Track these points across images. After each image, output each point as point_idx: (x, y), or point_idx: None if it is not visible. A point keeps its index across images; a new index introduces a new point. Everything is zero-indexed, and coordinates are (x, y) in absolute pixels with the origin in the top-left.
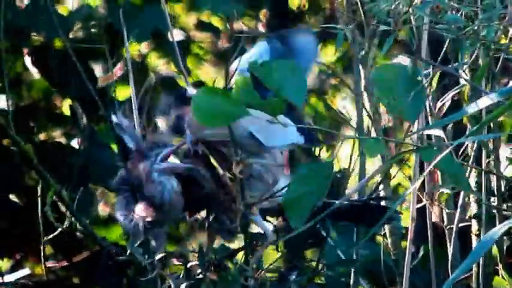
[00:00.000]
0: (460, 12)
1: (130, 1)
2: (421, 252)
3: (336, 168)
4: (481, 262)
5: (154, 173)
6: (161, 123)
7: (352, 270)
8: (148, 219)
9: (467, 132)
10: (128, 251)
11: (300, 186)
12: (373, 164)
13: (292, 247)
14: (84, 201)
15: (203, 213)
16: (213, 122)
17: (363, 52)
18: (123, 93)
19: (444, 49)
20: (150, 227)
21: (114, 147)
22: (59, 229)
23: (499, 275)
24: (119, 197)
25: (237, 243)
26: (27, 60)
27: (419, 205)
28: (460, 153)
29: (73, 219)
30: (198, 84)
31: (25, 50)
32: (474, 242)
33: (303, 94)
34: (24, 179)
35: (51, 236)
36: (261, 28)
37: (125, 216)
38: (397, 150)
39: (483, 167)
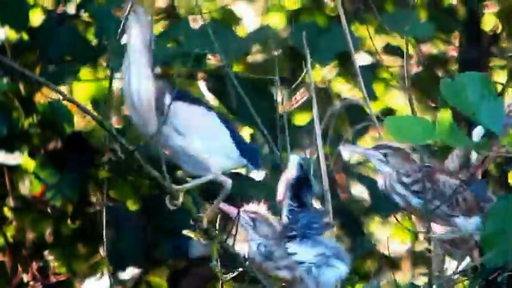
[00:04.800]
0: None
1: (315, 22)
2: None
3: None
4: None
5: None
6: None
7: None
8: None
9: None
10: None
11: (497, 221)
12: None
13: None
14: None
15: None
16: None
17: None
18: (306, 119)
19: None
20: None
21: None
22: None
23: None
24: None
25: None
26: (202, 85)
27: None
28: None
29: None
30: (386, 112)
31: (200, 75)
32: None
33: (500, 117)
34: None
35: (228, 278)
36: (452, 52)
37: None
38: None
39: None
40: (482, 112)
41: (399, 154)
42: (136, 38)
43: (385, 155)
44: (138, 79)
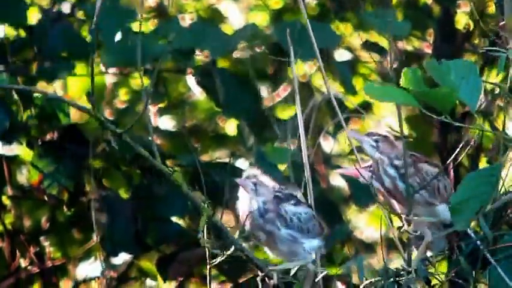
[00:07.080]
0: None
1: (298, 20)
2: None
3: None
4: None
5: None
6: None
7: None
8: None
9: None
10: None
11: (467, 190)
12: None
13: (458, 272)
14: None
15: None
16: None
17: None
18: (288, 113)
19: None
20: None
21: (282, 167)
22: (224, 255)
23: None
24: None
25: None
26: (190, 80)
27: None
28: None
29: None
30: (365, 105)
31: (188, 70)
32: None
33: (478, 96)
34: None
35: (216, 261)
36: (427, 49)
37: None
38: None
39: None
40: (462, 89)
41: (388, 140)
42: None
43: (376, 141)
44: None
